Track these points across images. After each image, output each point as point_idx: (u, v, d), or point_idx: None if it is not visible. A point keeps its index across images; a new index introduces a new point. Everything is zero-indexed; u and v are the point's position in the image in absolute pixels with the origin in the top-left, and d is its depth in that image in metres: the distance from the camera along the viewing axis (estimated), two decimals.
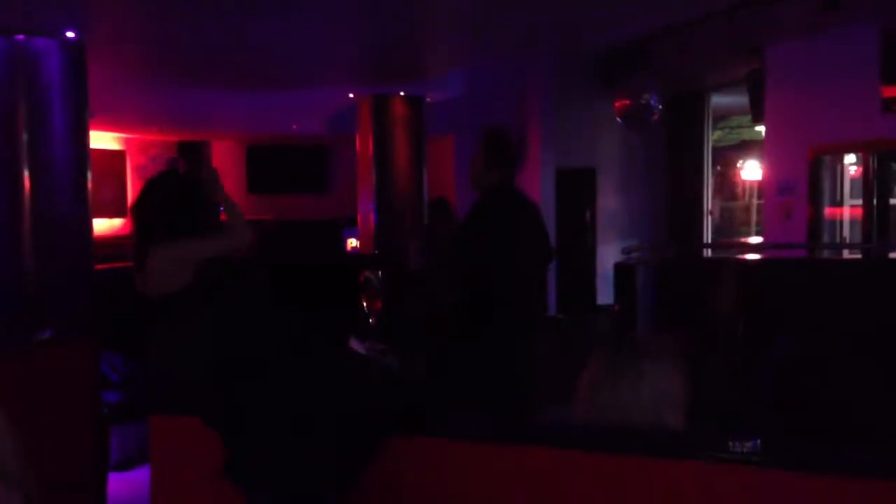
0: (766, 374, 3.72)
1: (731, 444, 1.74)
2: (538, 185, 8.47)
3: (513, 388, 3.26)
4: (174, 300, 2.22)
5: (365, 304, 3.50)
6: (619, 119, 8.13)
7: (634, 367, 1.75)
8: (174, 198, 2.31)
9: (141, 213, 2.31)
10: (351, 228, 7.93)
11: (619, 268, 5.77)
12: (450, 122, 8.47)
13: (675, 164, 8.69)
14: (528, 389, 3.29)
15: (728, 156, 10.72)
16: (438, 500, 2.08)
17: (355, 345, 3.01)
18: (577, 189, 8.86)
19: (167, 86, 6.91)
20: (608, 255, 8.02)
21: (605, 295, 8.41)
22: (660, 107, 7.94)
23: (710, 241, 8.68)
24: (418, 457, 2.17)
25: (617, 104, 8.09)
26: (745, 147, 10.19)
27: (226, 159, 10.91)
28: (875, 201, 6.37)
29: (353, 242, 7.95)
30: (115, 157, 10.16)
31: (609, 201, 9.05)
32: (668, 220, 8.78)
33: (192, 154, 10.44)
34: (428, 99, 7.21)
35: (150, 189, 2.35)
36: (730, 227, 10.60)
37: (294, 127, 9.62)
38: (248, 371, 2.12)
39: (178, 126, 9.83)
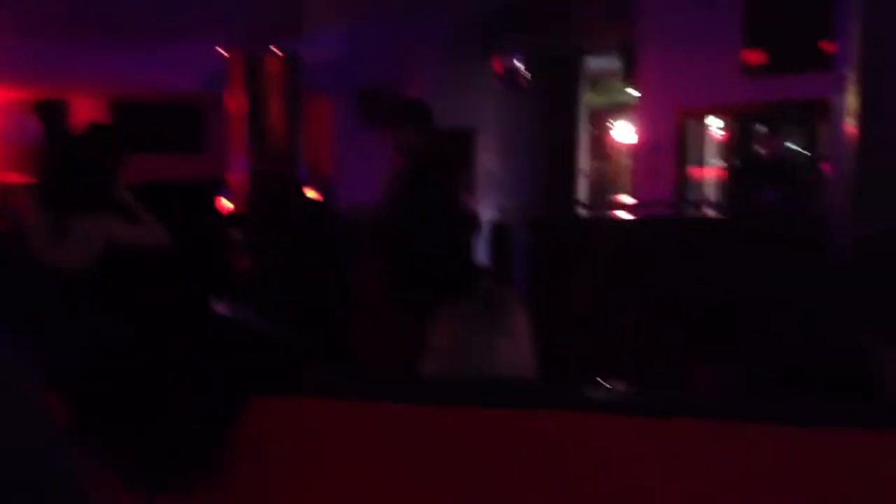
0: (625, 326, 3.86)
1: (591, 392, 1.78)
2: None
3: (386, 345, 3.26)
4: (84, 275, 2.10)
5: (232, 265, 3.41)
6: (496, 81, 8.18)
7: (485, 321, 1.77)
8: (89, 164, 2.15)
9: (57, 179, 2.14)
10: (226, 190, 7.71)
11: (494, 226, 5.85)
12: (328, 83, 8.31)
13: (551, 125, 8.83)
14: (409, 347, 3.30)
15: (602, 117, 10.98)
16: (311, 459, 2.06)
17: (220, 307, 2.93)
18: (456, 150, 8.89)
19: (20, 38, 6.49)
20: (487, 216, 8.11)
21: (485, 254, 8.52)
22: (529, 70, 8.03)
23: (584, 200, 8.91)
24: (289, 416, 2.14)
25: (494, 66, 8.14)
26: (620, 109, 10.45)
27: (88, 118, 10.38)
28: (737, 162, 6.68)
29: (226, 204, 7.73)
30: None
31: (488, 162, 9.14)
32: (546, 181, 8.94)
33: (50, 113, 9.88)
34: (304, 58, 7.05)
35: (66, 154, 2.19)
36: (604, 187, 10.89)
37: (164, 84, 9.24)
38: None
39: (35, 82, 9.26)
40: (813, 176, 5.63)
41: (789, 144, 6.45)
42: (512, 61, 7.83)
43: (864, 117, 3.27)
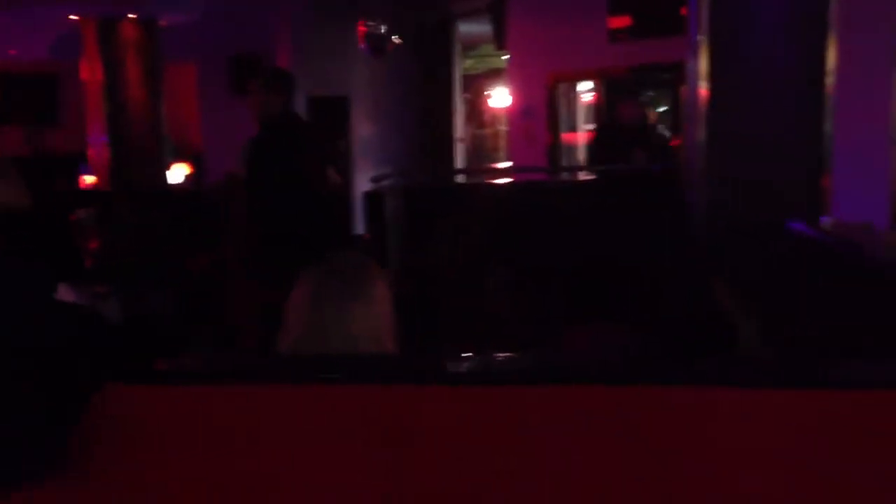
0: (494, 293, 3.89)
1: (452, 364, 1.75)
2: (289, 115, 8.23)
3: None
4: None
5: (79, 245, 3.23)
6: (360, 47, 8.04)
7: (338, 287, 1.72)
8: None
9: None
10: (85, 164, 7.32)
11: (368, 196, 5.78)
12: (191, 49, 7.97)
13: (426, 92, 8.78)
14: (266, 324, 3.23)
15: (478, 84, 11.00)
16: (166, 445, 1.96)
17: (67, 292, 2.76)
18: (330, 118, 8.73)
19: None
20: (363, 185, 8.01)
21: (362, 225, 8.43)
22: (399, 36, 7.94)
23: (460, 167, 8.93)
24: (144, 403, 2.04)
25: (359, 32, 8.00)
26: (494, 75, 10.49)
27: None
28: (601, 126, 6.81)
29: (88, 179, 7.35)
30: None
31: (363, 130, 9.01)
32: (422, 149, 8.91)
33: None
34: (162, 22, 6.72)
35: None
36: (481, 153, 10.95)
37: (12, 52, 8.66)
38: None
39: None
40: (674, 139, 5.80)
41: (656, 108, 6.62)
42: (378, 27, 7.71)
43: (714, 80, 3.36)
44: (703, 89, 3.35)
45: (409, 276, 4.60)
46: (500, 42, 7.50)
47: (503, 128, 10.02)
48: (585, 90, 7.50)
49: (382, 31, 7.58)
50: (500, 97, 10.61)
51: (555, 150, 7.10)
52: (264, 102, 3.63)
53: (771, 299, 2.74)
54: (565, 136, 7.26)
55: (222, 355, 2.38)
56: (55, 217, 3.90)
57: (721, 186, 3.24)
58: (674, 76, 5.88)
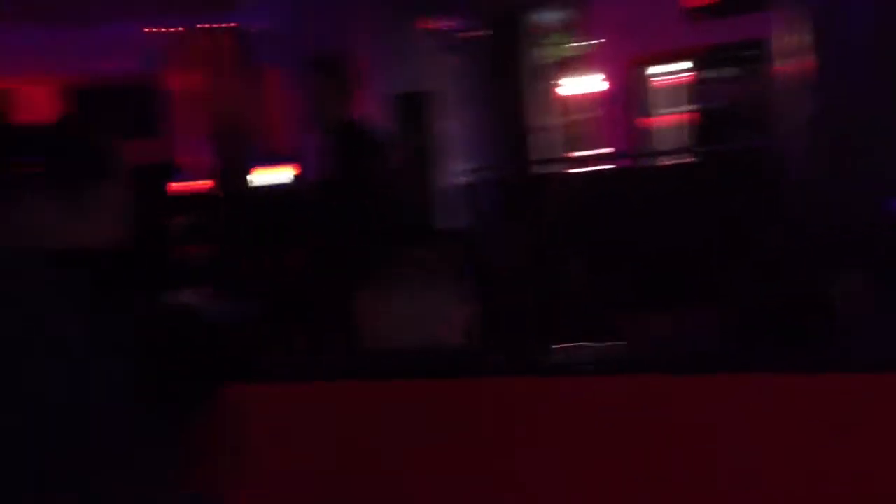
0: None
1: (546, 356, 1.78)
2: (374, 112, 8.36)
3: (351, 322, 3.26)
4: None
5: (186, 251, 3.38)
6: (435, 42, 8.07)
7: (415, 288, 1.77)
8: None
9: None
10: (184, 172, 7.60)
11: (453, 189, 5.85)
12: (276, 55, 8.18)
13: (504, 83, 8.78)
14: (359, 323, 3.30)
15: (556, 72, 10.92)
16: (274, 443, 2.06)
17: (182, 295, 2.91)
18: (411, 115, 8.82)
19: None
20: (448, 180, 8.07)
21: (448, 220, 8.49)
22: (471, 29, 7.94)
23: (540, 157, 8.90)
24: (254, 402, 2.14)
25: (432, 27, 8.04)
26: (572, 62, 10.40)
27: (42, 105, 10.14)
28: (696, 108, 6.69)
29: (186, 185, 7.63)
30: None
31: (444, 125, 9.07)
32: (504, 140, 8.91)
33: None
34: (251, 29, 6.93)
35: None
36: (562, 142, 10.87)
37: (110, 66, 9.05)
38: None
39: None
40: (767, 118, 5.66)
41: (744, 86, 6.47)
42: (448, 21, 7.73)
43: (814, 55, 3.29)
44: (799, 65, 3.29)
45: (497, 269, 4.64)
46: (577, 28, 7.45)
47: (584, 115, 9.94)
48: (670, 71, 7.39)
49: (457, 24, 7.62)
50: (579, 84, 10.52)
51: (638, 134, 7.02)
52: (328, 103, 3.65)
53: (871, 280, 2.68)
54: (649, 120, 7.17)
55: (331, 353, 2.46)
56: (160, 224, 4.09)
57: (821, 164, 3.17)
58: (759, 53, 5.75)
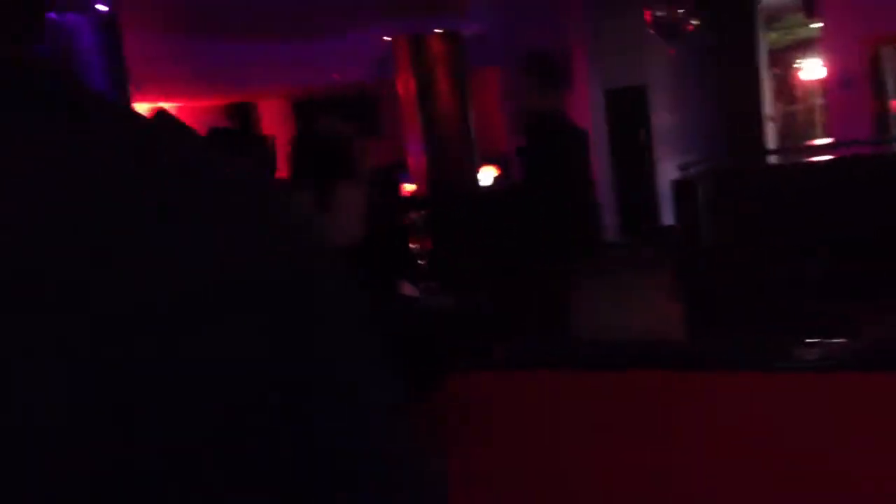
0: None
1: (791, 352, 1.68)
2: (587, 109, 8.28)
3: (564, 315, 3.24)
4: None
5: (414, 246, 3.49)
6: (652, 33, 7.82)
7: (620, 281, 1.72)
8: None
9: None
10: (406, 173, 7.92)
11: (676, 185, 5.65)
12: (492, 54, 8.31)
13: (729, 72, 8.38)
14: (576, 315, 3.27)
15: (786, 57, 10.29)
16: (501, 430, 2.08)
17: (407, 288, 3.01)
18: (628, 109, 8.64)
19: (204, 47, 6.95)
20: (667, 175, 7.83)
21: (669, 216, 8.24)
22: (698, 17, 7.61)
23: (772, 148, 8.41)
24: (482, 389, 2.18)
25: (652, 16, 7.79)
26: (804, 46, 9.76)
27: (274, 118, 10.95)
28: None
29: (408, 187, 7.94)
30: None
31: (663, 118, 8.80)
32: (727, 132, 8.52)
33: (240, 116, 10.51)
34: (466, 32, 7.08)
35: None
36: (793, 131, 10.23)
37: (336, 76, 9.60)
38: None
39: (224, 89, 9.89)
40: None
41: None
42: (671, 10, 7.46)
43: None
44: None
45: (720, 262, 4.43)
46: (811, 9, 6.96)
47: (818, 101, 9.29)
48: None
49: (675, 14, 7.35)
50: (812, 69, 9.85)
51: (882, 120, 6.45)
52: (527, 102, 3.62)
53: None
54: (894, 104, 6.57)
55: (549, 342, 2.45)
56: (393, 223, 4.27)
57: None
58: None
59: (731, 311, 3.42)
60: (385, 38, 7.14)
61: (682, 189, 5.38)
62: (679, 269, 4.10)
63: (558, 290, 3.15)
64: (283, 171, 2.30)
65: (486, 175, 8.30)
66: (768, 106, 8.47)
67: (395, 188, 7.75)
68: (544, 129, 3.54)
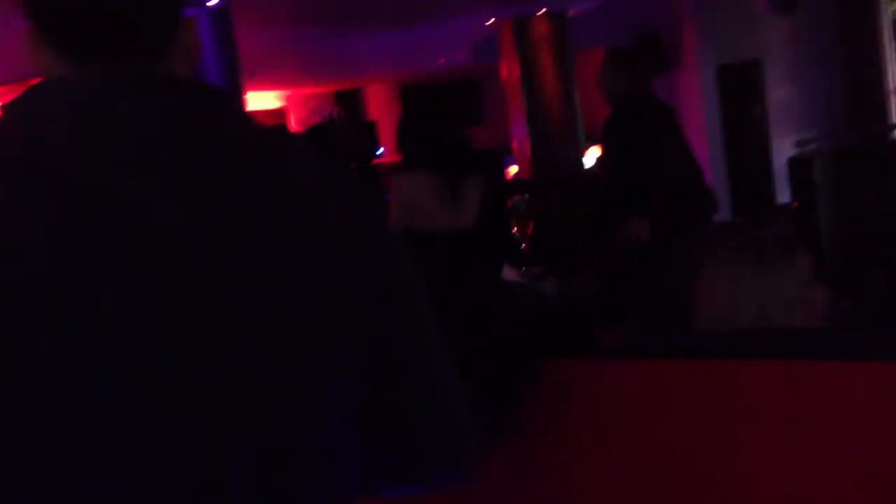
0: None
1: None
2: (698, 86, 8.04)
3: (674, 301, 3.16)
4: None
5: (516, 230, 3.48)
6: (764, 6, 7.49)
7: (748, 269, 1.66)
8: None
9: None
10: (508, 156, 7.89)
11: (793, 162, 5.43)
12: (598, 33, 8.16)
13: (850, 44, 7.97)
14: (688, 301, 3.19)
15: None
16: (604, 420, 2.06)
17: (511, 273, 3.01)
18: (742, 85, 8.34)
19: (313, 36, 7.10)
20: (783, 152, 7.53)
21: (784, 194, 7.93)
22: None
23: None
24: (582, 378, 2.15)
25: None
26: None
27: (381, 103, 11.09)
28: None
29: (513, 170, 7.92)
30: (277, 115, 10.63)
31: (779, 94, 8.46)
32: (847, 107, 8.11)
33: (349, 102, 10.70)
34: (571, 13, 6.98)
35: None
36: None
37: (441, 61, 9.63)
38: None
39: (332, 77, 10.09)
40: None
41: None
42: None
43: None
44: None
45: (840, 244, 4.23)
46: None
47: None
48: None
49: None
50: None
51: None
52: (610, 82, 3.58)
53: None
54: None
55: (651, 331, 2.40)
56: (498, 207, 4.28)
57: None
58: None
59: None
60: (489, 21, 7.12)
61: (798, 167, 5.16)
62: (823, 254, 3.95)
63: (668, 274, 3.08)
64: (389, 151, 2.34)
65: (593, 157, 8.18)
66: (892, 79, 8.01)
67: (500, 172, 7.73)
68: (630, 108, 3.50)
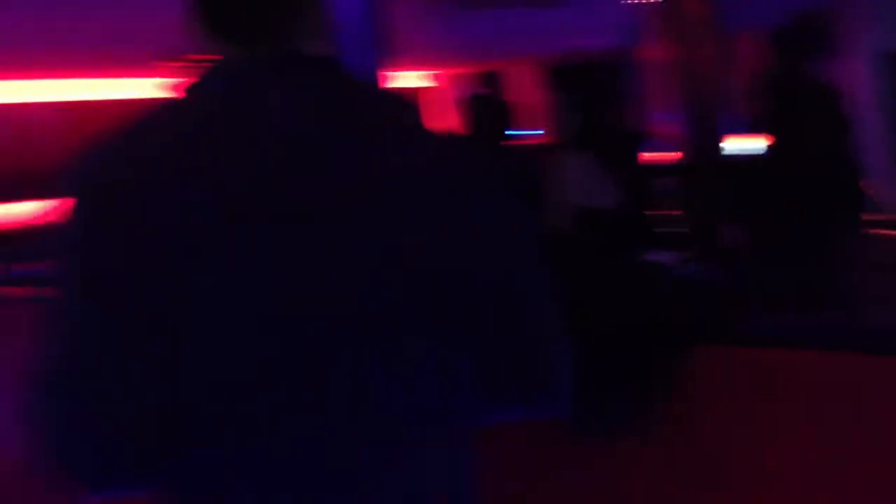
0: None
1: None
2: (860, 74, 7.60)
3: (824, 289, 3.02)
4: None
5: (660, 215, 3.41)
6: None
7: None
8: None
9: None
10: (653, 140, 7.70)
11: None
12: (755, 16, 7.83)
13: None
14: (841, 290, 3.03)
15: None
16: (742, 409, 1.99)
17: (657, 255, 2.95)
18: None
19: (459, 17, 7.14)
20: None
21: None
22: None
23: None
24: (721, 365, 2.09)
25: None
26: None
27: (522, 84, 11.07)
28: None
29: (660, 154, 7.72)
30: (417, 94, 10.83)
31: None
32: None
33: (492, 83, 10.76)
34: None
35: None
36: None
37: (582, 43, 9.53)
38: None
39: (477, 57, 10.18)
40: None
41: None
42: None
43: None
44: None
45: None
46: None
47: None
48: None
49: None
50: None
51: None
52: (773, 66, 3.39)
53: None
54: None
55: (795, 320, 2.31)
56: (640, 191, 4.20)
57: None
58: None
59: None
60: (633, 1, 6.95)
61: None
62: None
63: (824, 263, 2.93)
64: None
65: (745, 143, 7.87)
66: None
67: (640, 155, 7.56)
68: (793, 95, 3.35)
